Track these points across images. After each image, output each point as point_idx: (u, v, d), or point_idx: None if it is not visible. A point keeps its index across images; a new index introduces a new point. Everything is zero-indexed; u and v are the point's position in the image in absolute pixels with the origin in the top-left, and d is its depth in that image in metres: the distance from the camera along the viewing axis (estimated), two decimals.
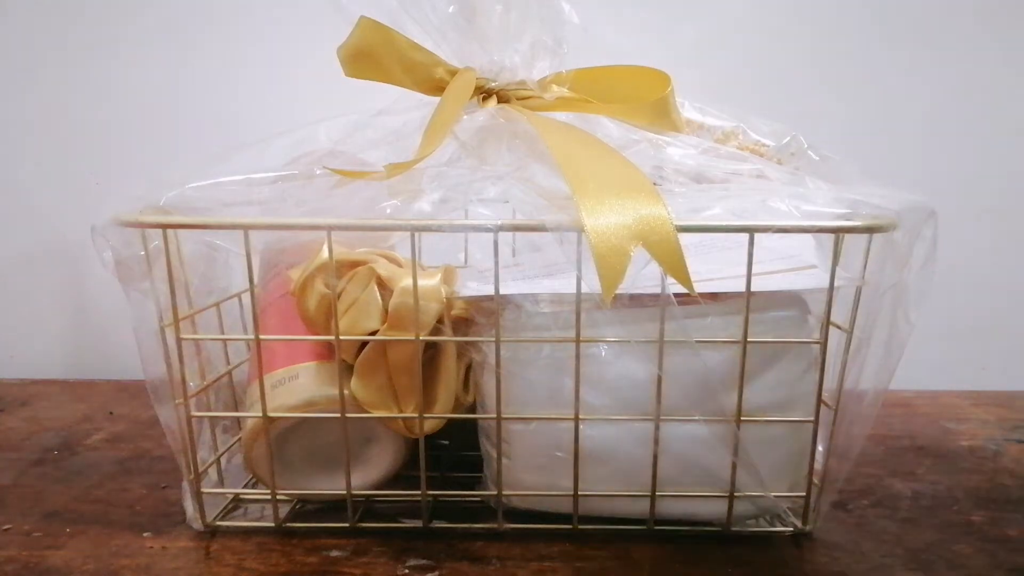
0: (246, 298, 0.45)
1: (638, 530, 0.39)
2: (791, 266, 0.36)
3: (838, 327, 0.36)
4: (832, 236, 0.34)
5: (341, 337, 0.36)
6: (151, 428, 0.54)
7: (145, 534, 0.39)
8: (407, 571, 0.36)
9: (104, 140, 0.66)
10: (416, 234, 0.34)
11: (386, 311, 0.37)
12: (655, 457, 0.36)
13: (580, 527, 0.39)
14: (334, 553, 0.37)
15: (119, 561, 0.37)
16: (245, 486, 0.43)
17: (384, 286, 0.37)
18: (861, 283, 0.35)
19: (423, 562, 0.37)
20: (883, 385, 0.36)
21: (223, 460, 0.44)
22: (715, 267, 0.35)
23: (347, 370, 0.38)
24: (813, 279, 0.35)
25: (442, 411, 0.38)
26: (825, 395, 0.36)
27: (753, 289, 0.34)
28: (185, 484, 0.40)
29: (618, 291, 0.31)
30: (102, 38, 0.65)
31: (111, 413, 0.57)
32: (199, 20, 0.65)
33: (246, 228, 0.35)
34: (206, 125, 0.65)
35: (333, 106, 0.42)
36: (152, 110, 0.66)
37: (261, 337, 0.37)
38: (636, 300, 0.35)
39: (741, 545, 0.38)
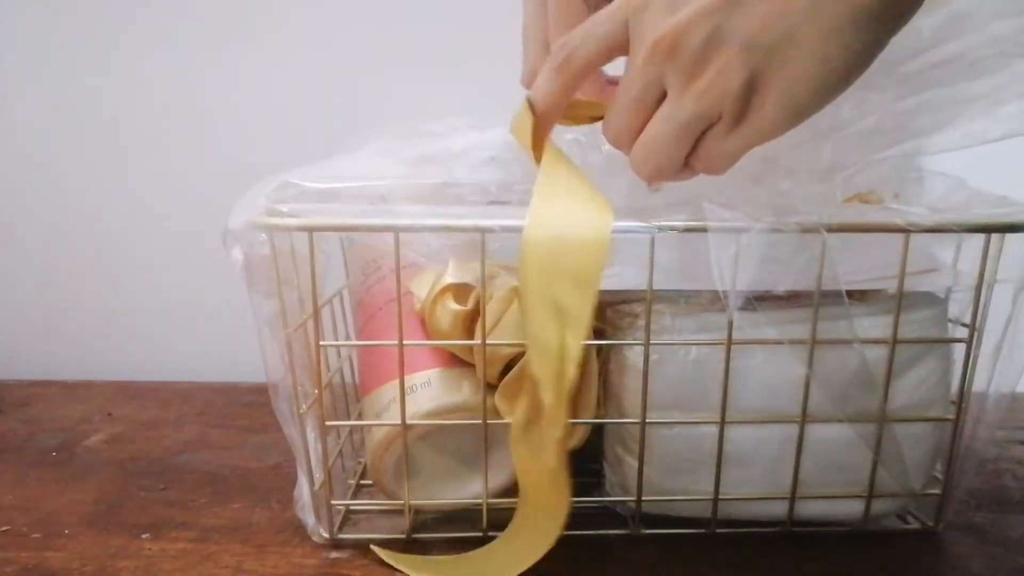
0: (337, 300, 0.44)
1: (771, 532, 0.38)
2: (914, 268, 0.35)
3: (972, 328, 0.35)
4: (982, 236, 0.33)
5: (488, 342, 0.35)
6: (150, 429, 0.54)
7: (144, 536, 0.39)
8: None
9: (132, 133, 0.66)
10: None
11: None
12: (797, 459, 0.35)
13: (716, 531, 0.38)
14: None
15: (118, 563, 0.37)
16: (352, 497, 0.42)
17: None
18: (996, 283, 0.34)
19: (556, 567, 0.36)
20: (1010, 387, 0.36)
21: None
22: (854, 268, 0.35)
23: (475, 374, 0.37)
24: (940, 280, 0.35)
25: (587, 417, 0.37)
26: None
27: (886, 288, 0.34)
28: (304, 494, 0.38)
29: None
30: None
31: (110, 414, 0.57)
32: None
33: (397, 231, 0.33)
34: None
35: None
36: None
37: (405, 343, 0.35)
38: (780, 301, 0.34)
39: (872, 543, 0.38)
